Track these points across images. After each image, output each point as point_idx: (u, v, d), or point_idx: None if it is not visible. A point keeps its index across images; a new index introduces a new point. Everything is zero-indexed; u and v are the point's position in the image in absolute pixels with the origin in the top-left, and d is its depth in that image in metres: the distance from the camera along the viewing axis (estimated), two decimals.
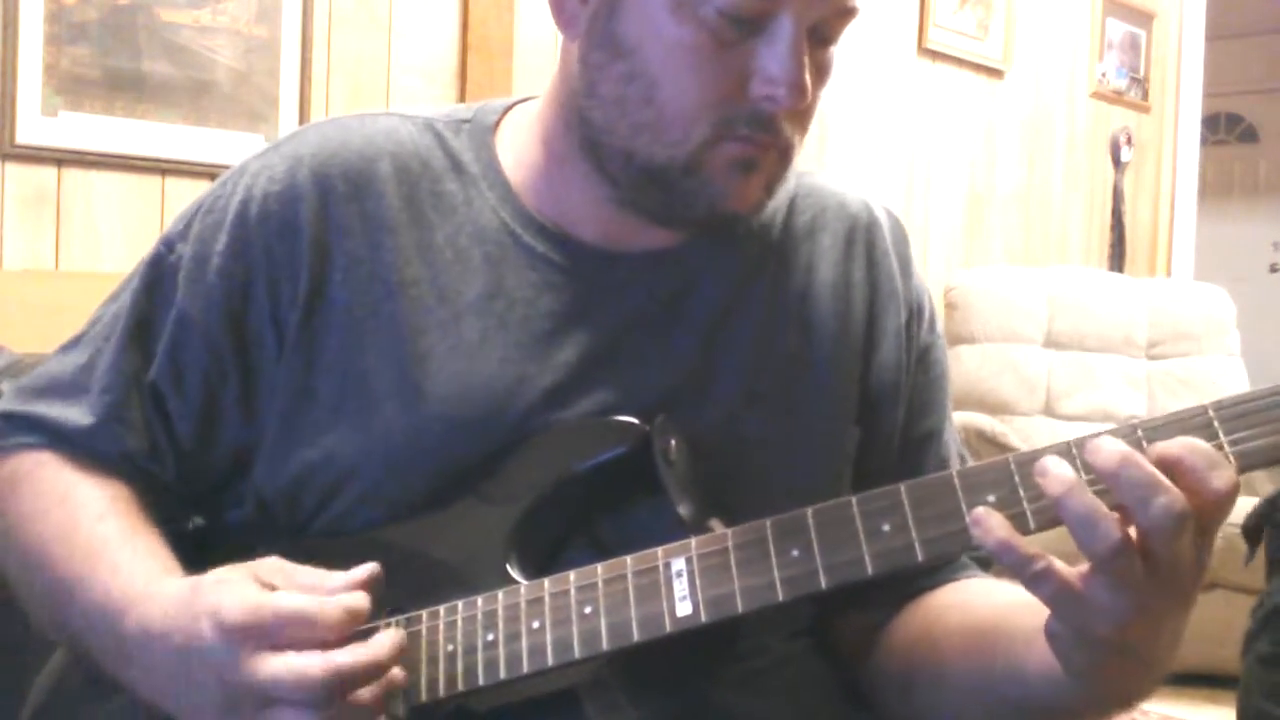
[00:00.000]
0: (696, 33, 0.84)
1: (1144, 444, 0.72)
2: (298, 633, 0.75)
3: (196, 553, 0.95)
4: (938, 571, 0.99)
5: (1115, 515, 0.69)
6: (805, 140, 0.91)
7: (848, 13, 0.87)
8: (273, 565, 0.81)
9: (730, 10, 0.83)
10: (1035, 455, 0.73)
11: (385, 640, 0.77)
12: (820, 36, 0.87)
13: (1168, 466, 0.69)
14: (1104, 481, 0.69)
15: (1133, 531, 0.69)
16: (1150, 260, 4.94)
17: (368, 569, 0.80)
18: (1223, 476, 0.69)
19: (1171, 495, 0.68)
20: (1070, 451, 0.73)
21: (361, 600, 0.78)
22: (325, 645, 0.75)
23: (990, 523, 0.71)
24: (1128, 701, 0.79)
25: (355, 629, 0.77)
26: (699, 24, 0.84)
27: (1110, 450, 0.69)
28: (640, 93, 0.86)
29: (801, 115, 0.88)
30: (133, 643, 0.82)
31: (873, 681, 0.99)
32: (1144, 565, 0.69)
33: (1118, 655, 0.73)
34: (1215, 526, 0.71)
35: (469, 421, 0.90)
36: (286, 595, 0.77)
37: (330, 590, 0.78)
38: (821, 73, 0.89)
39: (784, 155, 0.89)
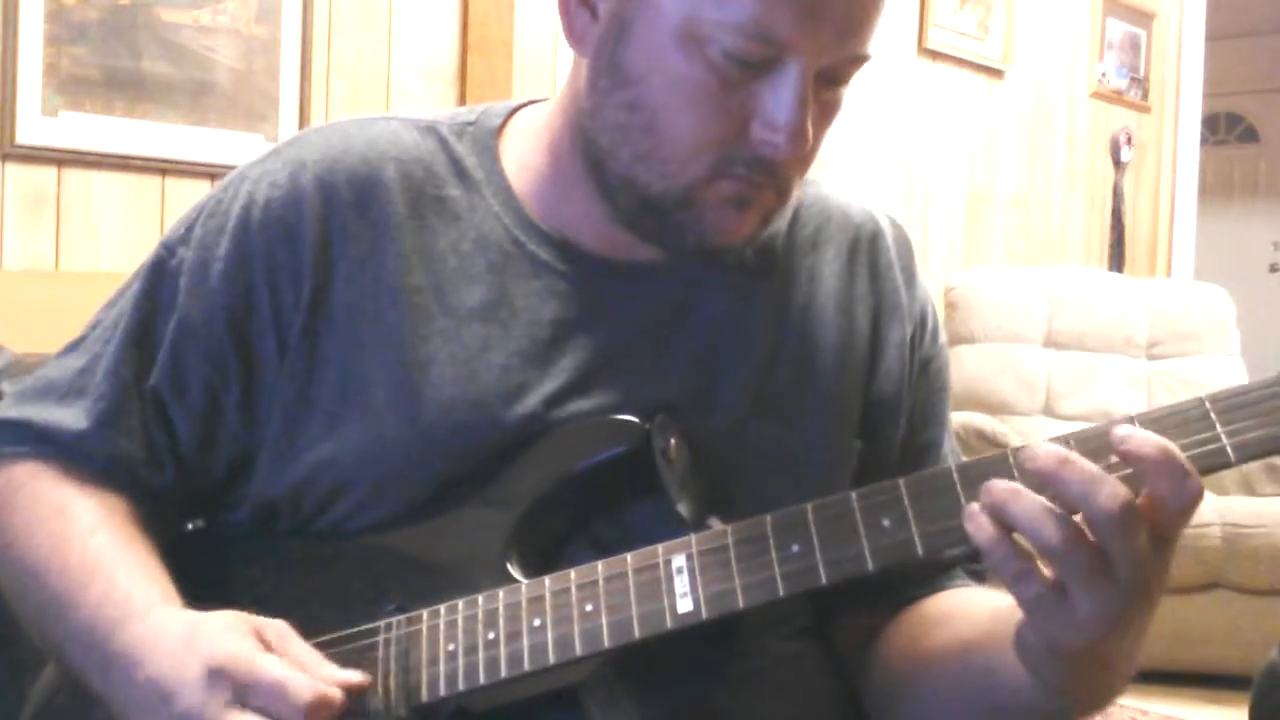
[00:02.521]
0: (702, 71, 0.83)
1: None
2: (267, 700, 0.77)
3: (196, 555, 0.95)
4: (930, 579, 0.99)
5: (1060, 512, 0.69)
6: (805, 175, 0.90)
7: (859, 59, 0.86)
8: (279, 629, 0.82)
9: (737, 54, 0.82)
10: (1034, 450, 0.74)
11: None
12: (829, 79, 0.86)
13: (1135, 463, 0.70)
14: (1046, 485, 0.70)
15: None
16: (1150, 260, 4.94)
17: (361, 679, 0.81)
18: (1188, 487, 0.69)
19: (1111, 486, 0.68)
20: (1007, 460, 0.74)
21: (338, 697, 0.78)
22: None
23: (983, 519, 0.71)
24: (1099, 704, 0.80)
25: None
26: (705, 63, 0.82)
27: (1047, 454, 0.70)
28: (642, 123, 0.85)
29: (802, 158, 0.87)
30: (116, 657, 0.83)
31: (864, 687, 0.99)
32: (1102, 564, 0.69)
33: (1086, 665, 0.74)
34: (1176, 532, 0.71)
35: (469, 427, 0.90)
36: (271, 660, 0.78)
37: (315, 671, 0.79)
38: (827, 114, 0.88)
39: (781, 194, 0.89)
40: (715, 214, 0.87)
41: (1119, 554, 0.69)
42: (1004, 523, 0.71)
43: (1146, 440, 0.69)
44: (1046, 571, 0.71)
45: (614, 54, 0.86)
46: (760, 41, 0.81)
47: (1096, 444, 0.74)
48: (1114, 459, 0.72)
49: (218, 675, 0.77)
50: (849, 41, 0.84)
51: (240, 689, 0.77)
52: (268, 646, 0.80)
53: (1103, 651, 0.73)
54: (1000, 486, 0.71)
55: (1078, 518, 0.70)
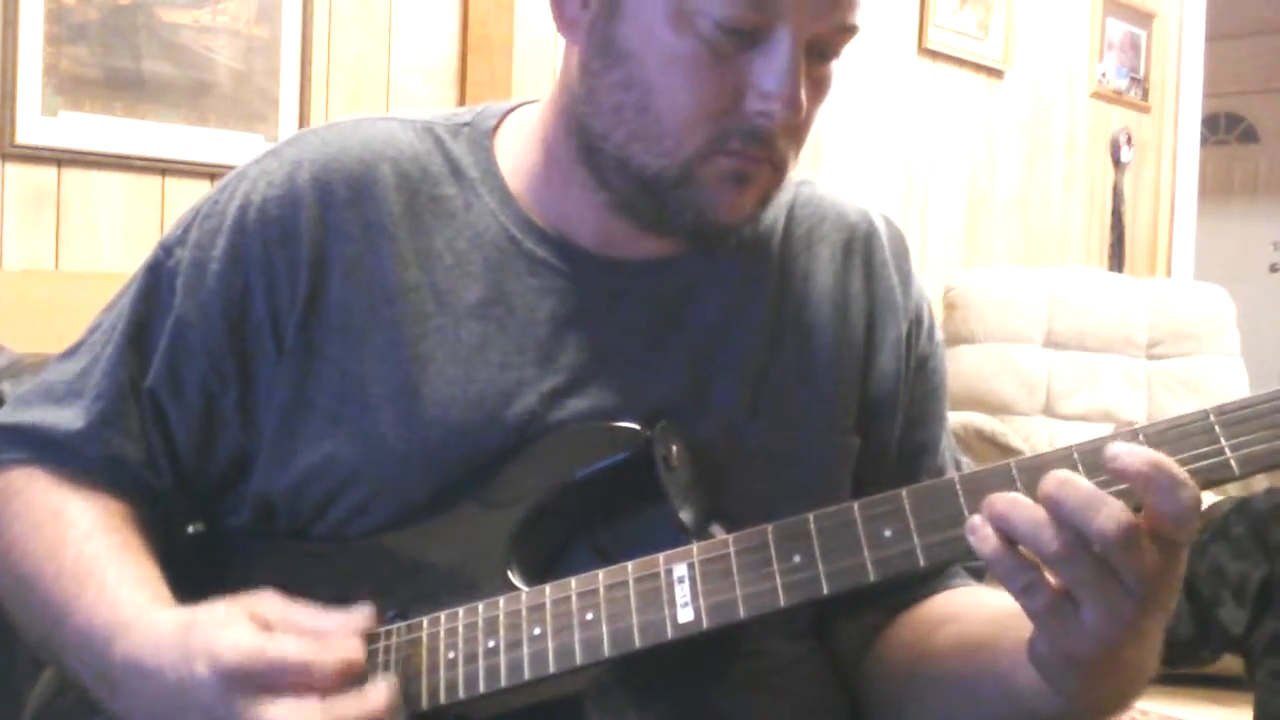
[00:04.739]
0: (694, 44, 0.83)
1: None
2: (295, 680, 0.76)
3: (195, 559, 0.95)
4: (930, 580, 0.99)
5: (1058, 520, 0.70)
6: (800, 154, 0.90)
7: (848, 30, 0.86)
8: (270, 604, 0.81)
9: (728, 23, 0.82)
10: (1037, 460, 0.74)
11: (382, 691, 0.78)
12: (819, 52, 0.86)
13: (1128, 479, 0.69)
14: (1049, 509, 0.70)
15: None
16: (1150, 260, 4.94)
17: (364, 613, 0.80)
18: (1183, 496, 0.69)
19: (1109, 508, 0.68)
20: (1009, 469, 0.74)
21: (358, 650, 0.78)
22: (322, 693, 0.76)
23: (985, 531, 0.71)
24: (1116, 708, 0.80)
25: (352, 678, 0.77)
26: (696, 35, 0.83)
27: (1047, 478, 0.70)
28: (637, 101, 0.86)
29: (796, 130, 0.88)
30: (120, 672, 0.82)
31: (865, 690, 0.99)
32: (1108, 572, 0.69)
33: (1101, 672, 0.74)
34: (1181, 539, 0.71)
35: (467, 426, 0.90)
36: (285, 641, 0.77)
37: (328, 634, 0.79)
38: (819, 88, 0.88)
39: (777, 170, 0.89)
40: (713, 190, 0.87)
41: (1125, 570, 0.69)
42: (1006, 534, 0.71)
43: (1134, 455, 0.69)
44: (1054, 581, 0.71)
45: (606, 33, 0.87)
46: (751, 9, 0.82)
47: (1098, 456, 0.73)
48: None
49: (230, 676, 0.76)
50: (838, 9, 0.84)
51: (261, 680, 0.76)
52: (268, 626, 0.79)
53: (1118, 658, 0.73)
54: (1000, 499, 0.71)
55: None
